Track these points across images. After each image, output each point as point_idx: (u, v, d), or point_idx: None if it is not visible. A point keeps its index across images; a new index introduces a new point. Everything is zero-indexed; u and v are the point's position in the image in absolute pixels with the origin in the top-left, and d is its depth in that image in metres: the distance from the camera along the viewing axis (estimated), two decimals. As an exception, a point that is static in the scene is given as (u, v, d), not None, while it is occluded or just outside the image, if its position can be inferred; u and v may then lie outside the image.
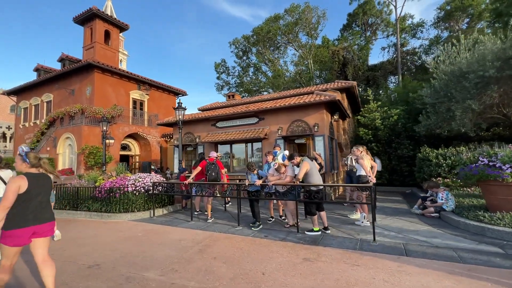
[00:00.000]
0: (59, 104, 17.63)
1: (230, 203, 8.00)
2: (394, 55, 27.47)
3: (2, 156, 3.03)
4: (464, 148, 7.89)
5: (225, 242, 4.47)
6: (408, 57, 28.01)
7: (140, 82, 18.58)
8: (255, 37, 21.72)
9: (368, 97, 11.22)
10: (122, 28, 18.33)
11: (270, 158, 5.73)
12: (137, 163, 18.58)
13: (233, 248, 4.14)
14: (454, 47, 7.67)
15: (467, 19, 25.01)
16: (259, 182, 5.14)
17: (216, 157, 6.92)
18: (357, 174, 5.38)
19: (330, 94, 8.09)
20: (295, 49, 23.17)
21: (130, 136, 17.89)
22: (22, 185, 2.35)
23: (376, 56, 59.14)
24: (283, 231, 5.05)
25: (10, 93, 21.06)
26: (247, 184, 5.25)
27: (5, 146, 31.97)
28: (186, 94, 22.86)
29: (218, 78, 26.99)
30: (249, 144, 10.06)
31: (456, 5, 23.35)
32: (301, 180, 4.75)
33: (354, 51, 26.43)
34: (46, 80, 18.53)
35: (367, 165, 5.29)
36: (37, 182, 2.48)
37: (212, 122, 10.80)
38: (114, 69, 16.43)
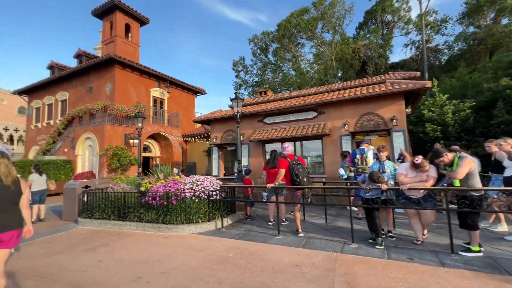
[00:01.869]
0: (75, 103, 16.50)
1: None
2: (417, 52, 26.46)
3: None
4: None
5: (365, 269, 3.26)
6: (432, 54, 26.99)
7: (161, 79, 17.47)
8: (281, 31, 20.57)
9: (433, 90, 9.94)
10: (142, 22, 17.26)
11: (384, 154, 4.52)
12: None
13: (389, 280, 2.93)
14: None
15: (493, 14, 23.98)
16: (385, 187, 3.94)
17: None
18: (508, 174, 4.16)
19: (416, 82, 6.93)
20: (318, 45, 22.06)
21: (151, 136, 16.74)
22: None
23: (395, 54, 57.96)
24: (418, 249, 3.84)
25: (21, 92, 19.98)
26: (369, 188, 4.03)
27: (13, 149, 30.83)
28: (205, 93, 21.78)
29: (236, 76, 25.95)
30: (302, 143, 8.87)
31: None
32: (456, 182, 3.55)
33: (375, 49, 25.38)
34: (61, 78, 17.43)
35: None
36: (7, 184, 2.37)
37: (259, 117, 9.63)
38: (136, 65, 15.32)
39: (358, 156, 5.76)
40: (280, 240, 4.59)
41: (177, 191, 5.83)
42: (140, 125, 8.91)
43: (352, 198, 4.55)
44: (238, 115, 6.85)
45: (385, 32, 28.07)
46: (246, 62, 25.44)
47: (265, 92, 14.46)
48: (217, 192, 5.99)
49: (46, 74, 20.13)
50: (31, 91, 19.72)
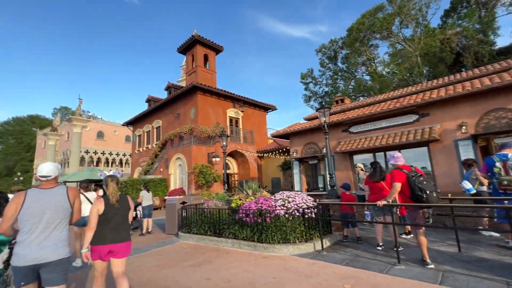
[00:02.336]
0: (167, 129, 19.04)
1: (411, 235, 5.61)
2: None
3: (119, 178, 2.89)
4: None
5: None
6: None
7: (235, 100, 18.57)
8: (352, 35, 19.44)
9: None
10: (217, 50, 19.04)
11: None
12: (236, 182, 18.10)
13: None
14: None
15: None
16: None
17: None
18: None
19: None
20: (398, 43, 19.74)
21: (229, 154, 17.67)
22: (100, 207, 2.74)
23: (502, 38, 47.46)
24: None
25: (128, 123, 24.43)
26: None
27: (122, 170, 37.62)
28: (276, 109, 22.05)
29: (306, 89, 25.58)
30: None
31: None
32: None
33: (473, 35, 21.06)
34: (155, 108, 20.56)
35: None
36: (112, 203, 2.80)
37: (344, 127, 8.88)
38: (214, 89, 16.75)
39: (498, 164, 4.42)
40: (405, 271, 3.72)
41: (269, 208, 5.62)
42: (224, 143, 9.37)
43: (485, 219, 3.36)
44: (325, 125, 6.33)
45: (482, 14, 23.23)
46: (314, 74, 24.93)
47: (342, 101, 13.50)
48: (311, 209, 5.51)
49: (144, 106, 24.11)
50: (134, 122, 23.90)
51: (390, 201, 4.13)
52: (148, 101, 23.07)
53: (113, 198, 2.83)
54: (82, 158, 33.17)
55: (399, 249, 4.70)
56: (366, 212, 4.97)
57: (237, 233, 5.65)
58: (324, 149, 9.35)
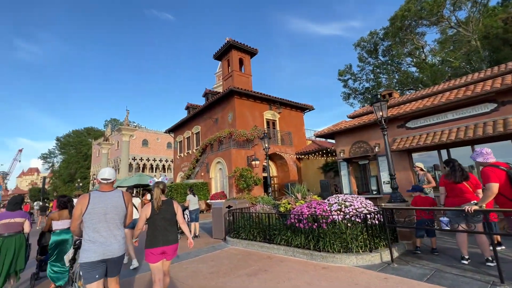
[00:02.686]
0: (206, 134, 19.53)
1: (502, 247, 4.67)
2: None
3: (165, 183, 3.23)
4: None
5: None
6: None
7: (271, 101, 18.32)
8: (397, 23, 17.82)
9: None
10: (252, 53, 19.06)
11: None
12: (276, 185, 17.74)
13: None
14: None
15: None
16: None
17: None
18: None
19: None
20: (450, 27, 17.59)
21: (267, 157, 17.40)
22: (147, 212, 2.95)
23: None
24: None
25: (169, 131, 25.70)
26: None
27: (165, 175, 39.76)
28: (313, 109, 21.29)
29: (344, 86, 24.24)
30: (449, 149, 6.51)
31: None
32: None
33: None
34: (194, 115, 21.26)
35: None
36: (159, 207, 2.98)
37: (399, 122, 7.99)
38: (250, 93, 16.72)
39: None
40: (512, 294, 2.98)
41: (323, 213, 5.16)
42: (266, 145, 9.10)
43: None
44: (383, 120, 5.66)
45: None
46: (353, 69, 23.46)
47: (390, 95, 12.36)
48: (374, 215, 4.91)
49: (184, 114, 25.16)
50: (175, 129, 25.04)
51: (484, 206, 3.41)
52: (187, 108, 24.01)
53: (156, 203, 3.00)
54: (130, 165, 35.88)
55: (492, 264, 3.89)
56: (441, 218, 4.22)
57: (290, 240, 5.27)
58: (377, 147, 8.52)
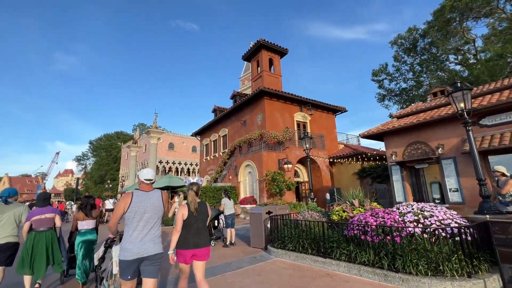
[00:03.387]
0: (233, 137, 19.07)
1: None
2: None
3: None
4: None
5: None
6: None
7: (302, 103, 17.46)
8: (445, 14, 16.17)
9: None
10: (282, 53, 18.43)
11: None
12: (307, 191, 16.71)
13: None
14: None
15: None
16: None
17: None
18: None
19: None
20: (508, 18, 15.56)
21: (299, 161, 16.50)
22: (184, 213, 2.91)
23: None
24: None
25: (196, 134, 25.67)
26: None
27: (200, 177, 40.01)
28: (346, 111, 20.08)
29: (380, 87, 22.65)
30: None
31: None
32: None
33: None
34: (221, 118, 20.97)
35: None
36: (192, 210, 2.95)
37: (471, 119, 6.79)
38: (281, 93, 16.02)
39: None
40: None
41: (395, 224, 4.24)
42: (307, 145, 8.28)
43: None
44: (465, 112, 4.64)
45: None
46: (388, 69, 21.82)
47: (442, 92, 11.03)
48: (466, 229, 3.89)
49: (211, 117, 25.02)
50: (201, 132, 24.94)
51: None
52: (214, 111, 23.85)
53: (192, 205, 2.97)
54: (157, 168, 36.52)
55: None
56: None
57: (354, 255, 4.37)
58: (440, 149, 7.33)
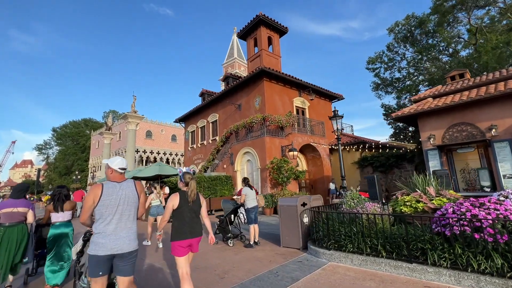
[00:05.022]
0: (225, 122, 17.42)
1: None
2: None
3: None
4: None
5: None
6: None
7: (301, 87, 16.26)
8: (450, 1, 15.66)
9: None
10: (282, 32, 16.92)
11: None
12: (307, 181, 15.74)
13: None
14: None
15: None
16: None
17: None
18: None
19: None
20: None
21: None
22: (175, 202, 2.80)
23: None
24: None
25: (180, 120, 23.46)
26: None
27: (191, 167, 37.53)
28: (343, 98, 19.30)
29: (376, 75, 22.05)
30: None
31: None
32: None
33: None
34: (211, 102, 19.12)
35: None
36: (187, 198, 2.83)
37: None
38: (282, 75, 14.63)
39: None
40: None
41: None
42: (338, 127, 7.05)
43: None
44: None
45: None
46: (384, 59, 21.16)
47: (460, 75, 10.42)
48: None
49: (190, 104, 22.89)
50: (186, 119, 22.84)
51: None
52: (201, 95, 21.83)
53: (193, 195, 2.86)
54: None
55: None
56: None
57: (467, 260, 3.24)
58: (493, 130, 6.51)
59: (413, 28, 19.03)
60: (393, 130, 26.19)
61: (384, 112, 22.66)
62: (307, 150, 15.77)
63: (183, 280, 2.67)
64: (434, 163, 7.46)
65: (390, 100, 37.45)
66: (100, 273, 2.19)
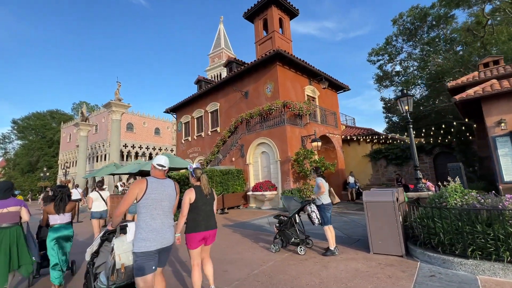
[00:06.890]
0: (228, 111, 15.88)
1: None
2: None
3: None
4: None
5: None
6: None
7: (312, 74, 15.18)
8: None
9: None
10: (293, 14, 15.65)
11: None
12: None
13: None
14: None
15: None
16: None
17: None
18: None
19: None
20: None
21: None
22: (192, 196, 2.88)
23: None
24: None
25: (171, 110, 21.32)
26: None
27: (198, 163, 34.86)
28: (349, 89, 18.58)
29: (379, 67, 21.69)
30: None
31: None
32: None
33: None
34: (209, 91, 17.41)
35: None
36: (202, 193, 2.95)
37: None
38: (297, 60, 13.40)
39: None
40: None
41: None
42: (406, 107, 5.99)
43: None
44: None
45: None
46: (391, 47, 20.79)
47: (495, 62, 9.98)
48: None
49: (175, 96, 20.88)
50: (179, 108, 20.79)
51: None
52: (198, 82, 19.93)
53: (206, 190, 2.98)
54: (121, 152, 30.41)
55: None
56: None
57: None
58: None
59: (426, 15, 18.65)
60: (387, 125, 26.31)
61: (383, 106, 22.54)
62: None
63: (194, 268, 2.85)
64: (505, 150, 6.76)
65: (390, 93, 37.69)
66: (154, 267, 2.26)
